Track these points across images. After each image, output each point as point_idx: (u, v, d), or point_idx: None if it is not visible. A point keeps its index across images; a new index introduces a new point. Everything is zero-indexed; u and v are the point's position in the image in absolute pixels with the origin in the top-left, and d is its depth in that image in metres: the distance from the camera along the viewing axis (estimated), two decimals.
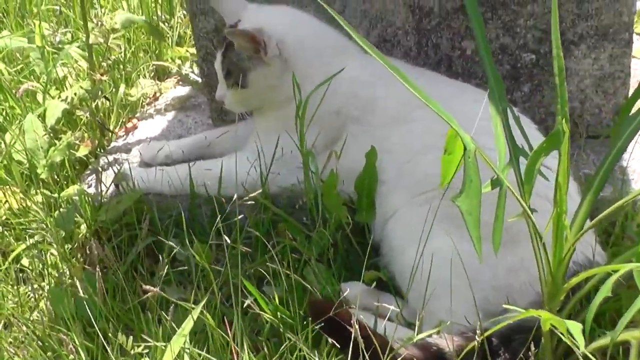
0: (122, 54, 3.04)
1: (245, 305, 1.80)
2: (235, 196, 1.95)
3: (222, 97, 2.24)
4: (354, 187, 2.11)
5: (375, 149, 2.06)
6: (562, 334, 1.44)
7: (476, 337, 1.67)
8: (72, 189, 2.27)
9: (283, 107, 2.18)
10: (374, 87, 2.17)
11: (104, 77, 2.48)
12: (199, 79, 2.96)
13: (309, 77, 2.13)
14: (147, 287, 1.65)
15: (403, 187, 2.03)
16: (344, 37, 2.22)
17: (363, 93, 2.16)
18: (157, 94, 2.95)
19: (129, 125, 2.78)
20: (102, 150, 2.65)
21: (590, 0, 2.24)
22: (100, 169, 2.45)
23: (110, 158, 2.56)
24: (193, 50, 3.09)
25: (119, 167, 2.37)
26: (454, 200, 1.47)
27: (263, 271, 1.96)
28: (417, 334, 1.80)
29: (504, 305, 1.74)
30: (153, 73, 3.08)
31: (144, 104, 2.94)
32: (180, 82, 3.01)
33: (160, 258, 2.01)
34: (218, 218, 1.89)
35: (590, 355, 1.47)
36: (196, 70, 3.02)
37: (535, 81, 2.37)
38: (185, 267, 2.06)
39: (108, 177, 2.38)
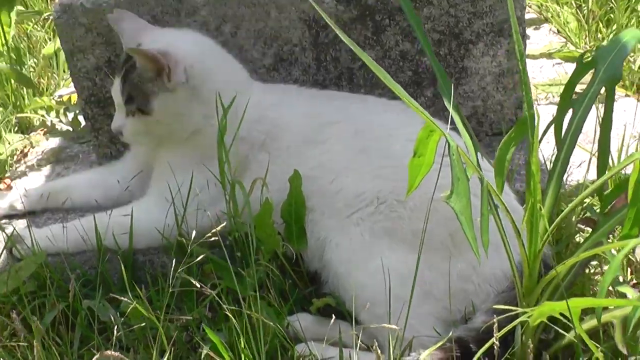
0: None
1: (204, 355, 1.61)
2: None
3: (120, 127, 2.04)
4: (281, 216, 1.97)
5: (299, 173, 1.94)
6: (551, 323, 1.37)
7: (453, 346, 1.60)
8: None
9: (193, 138, 2.02)
10: (279, 111, 2.06)
11: None
12: (69, 128, 2.73)
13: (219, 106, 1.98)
14: (109, 352, 1.42)
15: (332, 211, 1.93)
16: (241, 64, 2.14)
17: (268, 117, 2.04)
18: (26, 149, 2.68)
19: (1, 187, 2.50)
20: None
21: None
22: None
23: None
24: (58, 97, 2.85)
25: (7, 231, 2.11)
26: (445, 200, 1.36)
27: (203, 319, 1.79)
28: (391, 356, 1.68)
29: (482, 308, 1.68)
30: (16, 127, 2.79)
31: (10, 162, 2.65)
32: (48, 134, 2.74)
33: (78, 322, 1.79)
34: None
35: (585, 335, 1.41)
36: (64, 119, 2.77)
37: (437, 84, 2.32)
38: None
39: None
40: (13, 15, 2.89)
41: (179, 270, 1.84)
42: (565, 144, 1.53)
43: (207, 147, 1.98)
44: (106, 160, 2.39)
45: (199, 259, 1.81)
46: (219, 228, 1.82)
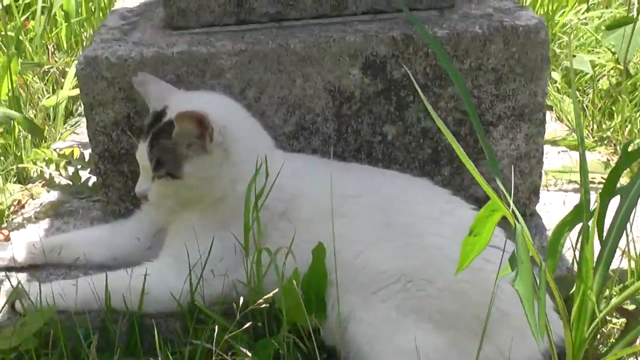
0: None
1: None
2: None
3: (145, 191, 1.98)
4: (301, 287, 1.91)
5: (324, 245, 1.90)
6: None
7: None
8: None
9: (220, 202, 1.97)
10: (300, 181, 2.02)
11: None
12: (69, 182, 2.66)
13: (246, 170, 1.95)
14: None
15: (356, 286, 1.88)
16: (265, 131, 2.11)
17: (289, 186, 2.00)
18: (24, 201, 2.60)
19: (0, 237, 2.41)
20: None
21: (507, 82, 2.25)
22: None
23: None
24: (58, 150, 2.78)
25: (12, 284, 2.02)
26: (513, 284, 1.33)
27: None
28: None
29: None
30: (15, 177, 2.71)
31: (7, 212, 2.57)
32: (48, 187, 2.67)
33: None
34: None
35: None
36: (64, 172, 2.70)
37: (455, 164, 2.32)
38: None
39: None
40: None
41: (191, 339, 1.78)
42: (612, 234, 1.52)
43: (231, 213, 1.94)
44: (113, 218, 2.32)
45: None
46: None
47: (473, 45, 2.21)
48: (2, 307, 2.01)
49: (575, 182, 2.62)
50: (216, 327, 1.84)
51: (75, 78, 3.35)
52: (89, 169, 2.67)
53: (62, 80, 3.30)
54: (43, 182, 2.72)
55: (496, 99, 2.27)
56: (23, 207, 2.61)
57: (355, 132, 2.27)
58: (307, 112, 2.24)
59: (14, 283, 2.08)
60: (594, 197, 1.61)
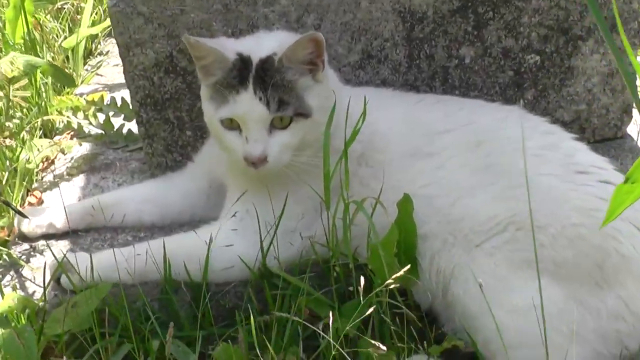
0: None
1: None
2: None
3: (264, 151, 1.63)
4: (372, 248, 1.66)
5: (410, 197, 1.64)
6: None
7: None
8: (9, 299, 1.65)
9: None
10: (376, 118, 1.75)
11: (12, 141, 1.85)
12: (101, 131, 2.40)
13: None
14: None
15: (456, 238, 1.64)
16: None
17: (364, 125, 1.71)
18: (53, 157, 2.34)
19: (32, 199, 2.16)
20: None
21: None
22: (24, 263, 1.85)
23: (25, 246, 1.95)
24: (83, 96, 2.51)
25: (55, 256, 1.77)
26: None
27: None
28: None
29: None
30: (41, 131, 2.45)
31: (36, 171, 2.31)
32: (78, 139, 2.40)
33: None
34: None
35: None
36: (94, 121, 2.43)
37: (540, 86, 2.06)
38: None
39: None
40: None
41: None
42: None
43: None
44: (159, 172, 2.06)
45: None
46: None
47: None
48: (48, 284, 1.76)
49: None
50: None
51: (96, 13, 3.07)
52: (122, 115, 2.41)
53: (78, 17, 3.00)
54: (71, 133, 2.46)
55: (586, 9, 1.99)
56: (53, 163, 2.34)
57: (429, 57, 2.00)
58: (374, 37, 1.96)
59: (57, 253, 1.85)
60: None
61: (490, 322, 1.56)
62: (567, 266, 1.57)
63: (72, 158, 2.34)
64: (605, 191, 1.64)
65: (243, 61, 1.65)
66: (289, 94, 1.63)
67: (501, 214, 1.62)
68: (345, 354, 1.54)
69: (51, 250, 1.83)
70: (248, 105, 1.62)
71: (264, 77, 1.62)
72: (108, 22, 2.92)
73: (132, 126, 2.41)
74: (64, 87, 2.68)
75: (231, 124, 1.65)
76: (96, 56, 3.05)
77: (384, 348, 1.50)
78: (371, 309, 1.56)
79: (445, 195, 1.67)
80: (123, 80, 2.82)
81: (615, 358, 1.58)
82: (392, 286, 1.59)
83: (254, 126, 1.62)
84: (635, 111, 2.17)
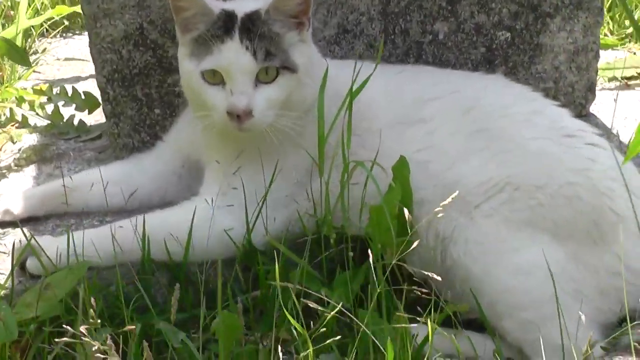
0: None
1: None
2: None
3: (249, 103, 1.56)
4: (373, 211, 1.61)
5: (406, 159, 1.61)
6: None
7: None
8: None
9: (311, 112, 1.65)
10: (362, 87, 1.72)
11: None
12: (48, 122, 2.28)
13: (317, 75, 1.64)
14: None
15: (454, 201, 1.60)
16: None
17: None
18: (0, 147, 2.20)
19: None
20: None
21: None
22: None
23: None
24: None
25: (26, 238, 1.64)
26: None
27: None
28: None
29: None
30: None
31: None
32: (28, 129, 2.27)
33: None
34: None
35: None
36: (41, 112, 2.31)
37: (510, 63, 2.07)
38: None
39: None
40: None
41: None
42: None
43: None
44: (126, 153, 1.96)
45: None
46: None
47: None
48: (13, 268, 1.63)
49: (616, 79, 2.41)
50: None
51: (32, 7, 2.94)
52: (74, 105, 2.29)
53: (13, 12, 2.86)
54: (15, 125, 2.32)
55: None
56: None
57: (404, 32, 1.98)
58: (350, 11, 1.94)
59: (17, 239, 1.72)
60: None
61: (494, 284, 1.54)
62: (566, 225, 1.57)
63: (19, 149, 2.20)
64: (594, 153, 1.65)
65: (227, 14, 1.60)
66: (276, 46, 1.59)
67: (497, 176, 1.60)
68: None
69: (23, 233, 1.70)
70: (234, 54, 1.56)
71: (250, 27, 1.57)
72: (49, 13, 2.82)
73: (83, 116, 2.31)
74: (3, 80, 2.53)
75: (213, 78, 1.59)
76: (31, 55, 2.91)
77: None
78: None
79: (440, 160, 1.64)
80: (64, 76, 2.76)
81: (615, 315, 1.58)
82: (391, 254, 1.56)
83: (239, 77, 1.56)
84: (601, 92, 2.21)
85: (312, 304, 1.46)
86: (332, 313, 1.47)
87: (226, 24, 1.59)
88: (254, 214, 1.64)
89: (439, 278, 1.46)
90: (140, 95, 1.91)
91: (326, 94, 1.63)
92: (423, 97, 1.73)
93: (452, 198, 1.49)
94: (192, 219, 1.62)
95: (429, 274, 1.49)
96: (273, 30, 1.59)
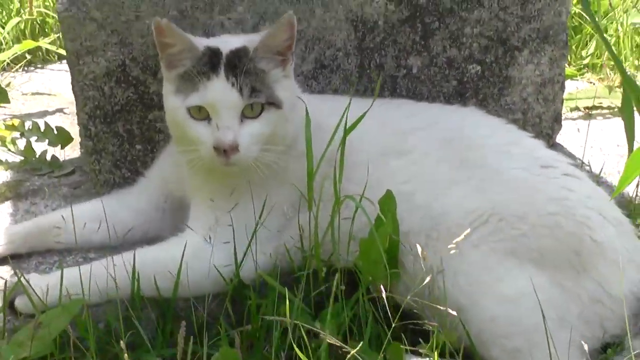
0: None
1: None
2: None
3: (234, 139, 1.58)
4: (362, 244, 1.65)
5: (392, 194, 1.64)
6: None
7: None
8: None
9: (294, 147, 1.69)
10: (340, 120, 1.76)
11: None
12: (19, 157, 2.26)
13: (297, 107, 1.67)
14: None
15: (440, 233, 1.65)
16: None
17: (330, 125, 1.69)
18: None
19: None
20: None
21: (533, 1, 2.07)
22: None
23: None
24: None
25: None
26: None
27: None
28: None
29: None
30: None
31: None
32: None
33: None
34: None
35: None
36: (13, 147, 2.29)
37: (480, 95, 2.13)
38: None
39: None
40: None
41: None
42: None
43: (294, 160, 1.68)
44: (107, 190, 1.96)
45: None
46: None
47: None
48: (4, 308, 1.62)
49: (578, 109, 2.49)
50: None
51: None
52: (47, 140, 2.28)
53: None
54: None
55: (522, 20, 2.09)
56: None
57: (379, 67, 2.03)
58: (327, 46, 1.97)
59: (2, 278, 1.72)
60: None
61: (481, 313, 1.57)
62: (548, 254, 1.61)
63: None
64: (570, 182, 1.71)
65: (213, 51, 1.63)
66: (261, 82, 1.62)
67: (482, 207, 1.64)
68: None
69: (15, 272, 1.68)
70: (220, 91, 1.59)
71: (236, 64, 1.60)
72: (16, 48, 2.80)
73: (56, 152, 2.30)
74: None
75: (199, 114, 1.61)
76: None
77: None
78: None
79: (425, 191, 1.68)
80: (30, 111, 2.74)
81: (599, 341, 1.62)
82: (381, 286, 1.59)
83: (225, 113, 1.58)
84: (564, 121, 2.28)
85: (305, 337, 1.48)
86: (324, 345, 1.49)
87: (212, 60, 1.62)
88: (242, 249, 1.66)
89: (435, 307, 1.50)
90: (122, 132, 1.92)
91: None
92: (404, 129, 1.77)
93: (465, 235, 1.52)
94: (182, 255, 1.63)
95: (416, 304, 1.53)
96: (259, 67, 1.62)
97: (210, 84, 1.59)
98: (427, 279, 1.51)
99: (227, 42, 1.67)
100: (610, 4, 2.96)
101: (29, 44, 2.79)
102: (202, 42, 1.66)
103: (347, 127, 1.66)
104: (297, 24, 1.61)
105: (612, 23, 2.99)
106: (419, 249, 1.52)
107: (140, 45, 1.84)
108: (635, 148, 1.29)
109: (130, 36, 1.83)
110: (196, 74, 1.60)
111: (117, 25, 1.81)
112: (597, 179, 2.05)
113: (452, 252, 1.59)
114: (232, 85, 1.58)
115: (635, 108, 1.17)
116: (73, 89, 1.89)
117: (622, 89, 2.46)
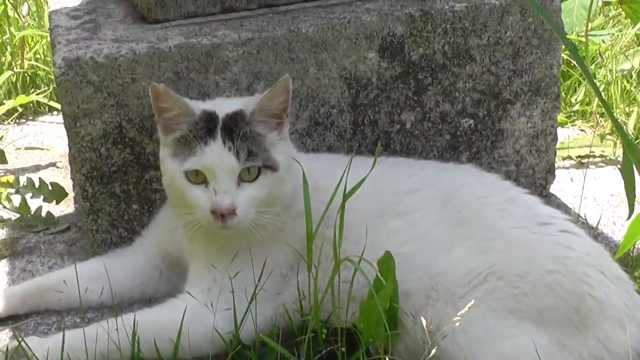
0: None
1: None
2: None
3: (232, 203, 1.59)
4: (363, 306, 1.65)
5: (391, 254, 1.65)
6: None
7: None
8: None
9: (290, 207, 1.72)
10: (337, 181, 1.76)
11: None
12: (13, 214, 2.26)
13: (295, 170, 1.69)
14: None
15: (440, 293, 1.65)
16: None
17: (326, 186, 1.71)
18: None
19: None
20: None
21: (524, 55, 2.10)
22: None
23: None
24: None
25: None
26: None
27: None
28: None
29: None
30: None
31: None
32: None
33: None
34: None
35: None
36: (8, 205, 2.29)
37: (474, 149, 2.15)
38: None
39: None
40: None
41: None
42: None
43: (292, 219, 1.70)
44: (103, 249, 1.96)
45: None
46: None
47: (491, 17, 2.04)
48: None
49: (570, 158, 2.51)
50: None
51: None
52: (42, 196, 2.28)
53: None
54: None
55: (513, 74, 2.11)
56: None
57: (372, 123, 2.05)
58: (322, 104, 1.99)
59: (1, 340, 1.72)
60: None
61: None
62: (548, 312, 1.61)
63: None
64: (568, 240, 1.72)
65: (209, 115, 1.65)
66: (258, 146, 1.64)
67: (480, 266, 1.65)
68: None
69: (15, 335, 1.68)
70: (217, 156, 1.60)
71: (233, 128, 1.62)
72: (10, 103, 2.81)
73: (51, 207, 2.30)
74: None
75: (197, 178, 1.62)
76: None
77: None
78: None
79: (424, 251, 1.69)
80: (23, 165, 2.74)
81: None
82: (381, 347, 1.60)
83: (222, 177, 1.60)
84: (557, 171, 2.30)
85: None
86: None
87: (208, 124, 1.64)
88: (242, 311, 1.66)
89: None
90: (119, 192, 1.93)
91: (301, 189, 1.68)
92: (401, 190, 1.79)
93: (469, 307, 1.53)
94: (182, 317, 1.63)
95: None
96: (255, 131, 1.65)
97: (207, 149, 1.60)
98: (433, 351, 1.50)
99: (222, 105, 1.69)
100: (598, 51, 2.99)
101: (23, 99, 2.80)
102: (198, 106, 1.68)
103: (341, 185, 1.68)
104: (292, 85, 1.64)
105: (600, 68, 3.03)
106: (424, 322, 1.52)
107: (137, 107, 1.85)
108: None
109: (126, 98, 1.84)
110: (193, 138, 1.62)
111: (113, 88, 1.83)
112: (595, 232, 2.06)
113: (450, 310, 1.61)
114: (229, 149, 1.60)
115: (635, 168, 1.18)
116: (70, 151, 1.89)
117: (613, 136, 2.53)
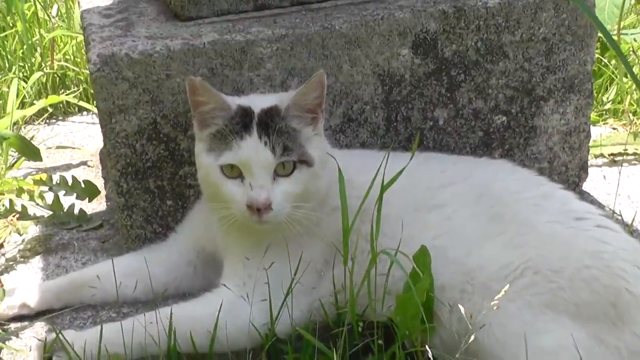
0: None
1: None
2: None
3: (268, 197, 1.60)
4: (399, 300, 1.65)
5: (427, 248, 1.65)
6: None
7: None
8: None
9: (325, 203, 1.71)
10: (371, 176, 1.76)
11: None
12: (49, 213, 2.28)
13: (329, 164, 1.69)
14: None
15: (475, 287, 1.65)
16: None
17: (361, 181, 1.71)
18: (2, 239, 2.19)
19: None
20: None
21: (558, 52, 2.09)
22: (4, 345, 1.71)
23: None
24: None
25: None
26: None
27: None
28: None
29: None
30: None
31: None
32: (32, 220, 2.27)
33: None
34: None
35: None
36: (41, 202, 2.31)
37: (507, 145, 2.14)
38: None
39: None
40: None
41: None
42: None
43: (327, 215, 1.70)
44: (138, 245, 1.97)
45: None
46: None
47: (524, 14, 2.03)
48: None
49: (603, 156, 2.50)
50: None
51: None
52: (74, 194, 2.30)
53: None
54: (16, 215, 2.31)
55: (547, 71, 2.10)
56: (1, 246, 2.19)
57: (406, 119, 2.04)
58: (355, 101, 1.99)
59: (34, 335, 1.73)
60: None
61: None
62: (585, 307, 1.60)
63: (23, 240, 2.21)
64: (604, 234, 1.71)
65: (245, 110, 1.65)
66: (293, 141, 1.64)
67: (516, 261, 1.64)
68: None
69: (53, 328, 1.70)
70: (253, 150, 1.61)
71: (268, 123, 1.62)
72: (41, 103, 2.83)
73: (84, 205, 2.32)
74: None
75: (232, 172, 1.63)
76: None
77: None
78: None
79: (458, 245, 1.69)
80: (55, 164, 2.76)
81: None
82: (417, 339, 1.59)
83: (258, 172, 1.60)
84: (590, 169, 2.28)
85: None
86: None
87: (244, 119, 1.64)
88: (277, 304, 1.66)
89: None
90: (153, 188, 1.94)
91: (336, 185, 1.68)
92: (436, 184, 1.78)
93: (505, 291, 1.52)
94: (219, 311, 1.63)
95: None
96: (291, 126, 1.65)
97: (243, 143, 1.61)
98: (472, 337, 1.50)
99: (257, 100, 1.70)
100: (631, 49, 2.96)
101: (53, 98, 2.82)
102: (234, 101, 1.68)
103: (376, 180, 1.68)
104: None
105: (633, 66, 3.00)
106: (462, 310, 1.51)
107: (171, 103, 1.86)
108: None
109: (161, 94, 1.85)
110: (229, 132, 1.62)
111: (148, 84, 1.84)
112: (630, 228, 2.04)
113: (487, 304, 1.60)
114: (264, 144, 1.60)
115: None
116: (105, 146, 1.90)
117: None
